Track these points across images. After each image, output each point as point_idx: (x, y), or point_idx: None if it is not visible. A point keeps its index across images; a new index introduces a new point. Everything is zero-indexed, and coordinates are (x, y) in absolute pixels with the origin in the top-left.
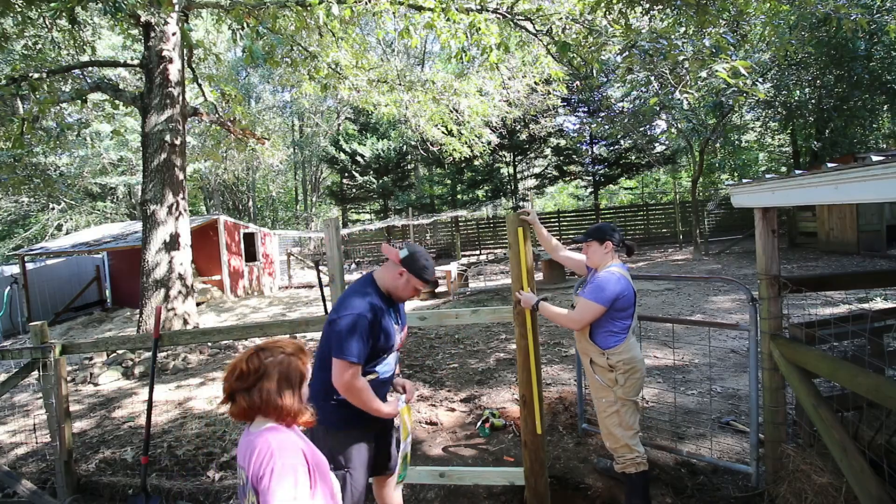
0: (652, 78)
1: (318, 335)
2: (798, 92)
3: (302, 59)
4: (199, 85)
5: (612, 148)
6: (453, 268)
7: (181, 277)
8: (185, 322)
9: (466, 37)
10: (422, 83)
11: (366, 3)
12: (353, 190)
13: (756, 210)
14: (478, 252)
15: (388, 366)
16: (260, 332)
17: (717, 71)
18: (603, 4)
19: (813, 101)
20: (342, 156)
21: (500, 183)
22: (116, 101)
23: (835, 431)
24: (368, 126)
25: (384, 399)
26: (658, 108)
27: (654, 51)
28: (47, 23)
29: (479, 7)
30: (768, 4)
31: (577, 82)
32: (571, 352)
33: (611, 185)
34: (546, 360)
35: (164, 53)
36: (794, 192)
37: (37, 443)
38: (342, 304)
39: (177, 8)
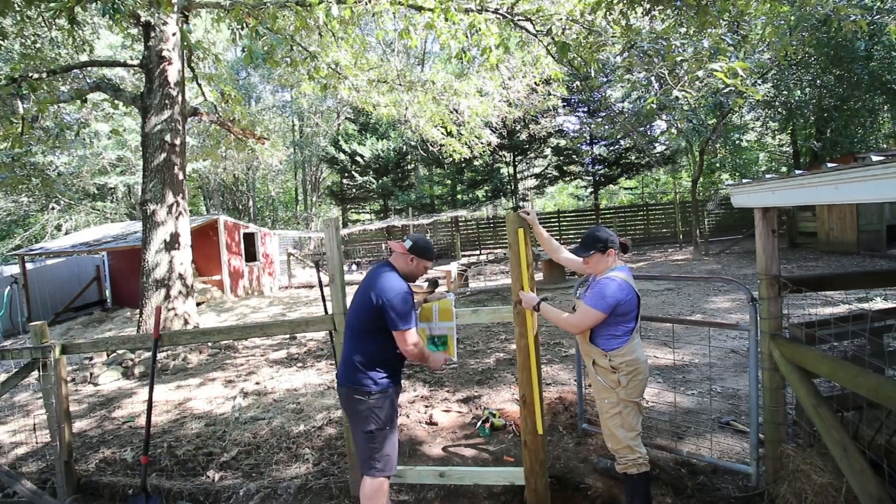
0: (652, 78)
1: (318, 335)
2: (798, 92)
3: (302, 59)
4: (199, 85)
5: (611, 148)
6: (453, 268)
7: (181, 277)
8: (186, 322)
9: (466, 37)
10: (422, 83)
11: (366, 4)
12: (353, 190)
13: (756, 210)
14: (478, 252)
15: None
16: (260, 332)
17: (714, 70)
18: (603, 5)
19: (813, 101)
20: (342, 156)
21: (500, 183)
22: (116, 101)
23: (835, 431)
24: (368, 126)
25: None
26: (659, 108)
27: (653, 51)
28: (46, 22)
29: (479, 7)
30: (768, 5)
31: (577, 82)
32: (571, 352)
33: (611, 185)
34: (546, 360)
35: (164, 53)
36: (795, 192)
37: (37, 443)
38: (387, 286)
39: (176, 8)
